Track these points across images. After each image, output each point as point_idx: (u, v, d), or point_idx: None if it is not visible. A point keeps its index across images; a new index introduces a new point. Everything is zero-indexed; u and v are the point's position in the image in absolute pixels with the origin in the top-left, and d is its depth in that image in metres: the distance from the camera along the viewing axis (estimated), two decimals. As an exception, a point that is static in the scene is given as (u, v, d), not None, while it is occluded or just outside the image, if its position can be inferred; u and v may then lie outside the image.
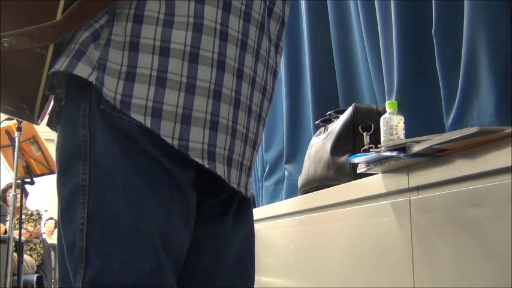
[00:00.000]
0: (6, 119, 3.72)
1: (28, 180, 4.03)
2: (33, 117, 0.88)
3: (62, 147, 0.82)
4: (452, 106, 1.69)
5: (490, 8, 1.54)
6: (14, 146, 3.68)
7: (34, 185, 4.10)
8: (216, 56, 0.81)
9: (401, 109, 1.74)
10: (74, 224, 0.78)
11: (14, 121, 3.66)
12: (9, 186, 5.09)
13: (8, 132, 3.77)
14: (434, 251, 1.36)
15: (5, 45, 0.79)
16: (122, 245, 0.76)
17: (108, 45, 0.79)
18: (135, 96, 0.78)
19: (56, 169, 0.85)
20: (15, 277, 4.12)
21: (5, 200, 5.11)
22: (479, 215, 1.22)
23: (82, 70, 0.78)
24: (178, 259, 0.83)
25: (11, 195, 3.87)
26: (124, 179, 0.78)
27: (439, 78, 1.77)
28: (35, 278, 5.05)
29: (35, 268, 5.27)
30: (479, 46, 1.56)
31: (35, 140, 3.91)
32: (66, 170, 0.80)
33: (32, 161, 3.98)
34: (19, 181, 3.94)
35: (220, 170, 0.83)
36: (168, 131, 0.78)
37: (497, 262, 1.15)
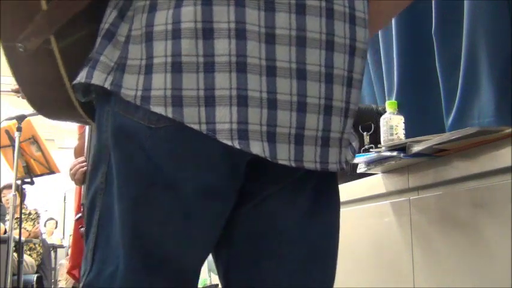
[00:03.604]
0: (7, 119, 3.72)
1: (28, 180, 4.03)
2: (81, 114, 0.87)
3: (93, 149, 0.83)
4: (452, 106, 1.69)
5: (490, 8, 1.54)
6: (14, 146, 3.68)
7: (34, 185, 4.10)
8: (233, 26, 0.73)
9: (401, 109, 1.74)
10: (91, 225, 0.80)
11: (14, 121, 3.66)
12: (4, 187, 5.10)
13: (8, 132, 3.76)
14: (434, 250, 1.36)
15: (21, 50, 0.79)
16: (114, 254, 0.76)
17: (128, 42, 0.76)
18: (153, 88, 0.73)
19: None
20: (15, 277, 4.12)
21: (0, 200, 5.12)
22: (479, 215, 1.22)
23: (97, 78, 0.76)
24: (179, 274, 0.79)
25: (8, 195, 3.87)
26: (122, 186, 0.76)
27: (439, 78, 1.77)
28: (35, 278, 5.05)
29: (35, 268, 5.27)
30: (479, 46, 1.56)
31: (35, 140, 3.91)
32: (93, 172, 0.81)
33: (32, 161, 3.98)
34: (19, 181, 3.93)
35: (256, 148, 0.73)
36: (192, 117, 0.72)
37: (497, 262, 1.15)
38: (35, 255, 5.34)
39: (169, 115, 0.72)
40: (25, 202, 4.94)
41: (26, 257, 4.95)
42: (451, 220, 1.31)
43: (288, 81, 0.75)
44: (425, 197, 1.40)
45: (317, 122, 0.77)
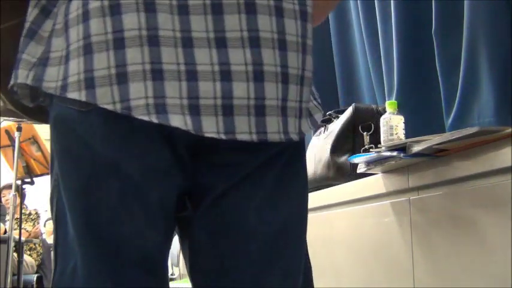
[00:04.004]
0: (7, 119, 3.72)
1: (28, 180, 4.03)
2: (21, 115, 0.85)
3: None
4: (452, 106, 1.69)
5: (490, 8, 1.54)
6: (14, 146, 3.68)
7: (34, 185, 4.10)
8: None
9: (401, 109, 1.74)
10: (53, 223, 0.79)
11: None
12: (4, 187, 5.10)
13: (8, 132, 3.76)
14: (434, 250, 1.36)
15: None
16: (72, 249, 0.75)
17: (52, 36, 0.75)
18: (70, 75, 0.71)
19: None
20: (15, 277, 4.12)
21: (0, 201, 5.12)
22: (479, 215, 1.22)
23: (20, 76, 0.75)
24: (139, 259, 0.75)
25: (8, 195, 3.87)
26: (66, 177, 0.75)
27: (439, 78, 1.77)
28: (35, 278, 5.05)
29: (35, 268, 5.27)
30: (479, 46, 1.56)
31: (35, 140, 3.91)
32: (50, 170, 0.80)
33: (32, 161, 3.98)
34: (19, 181, 3.93)
35: (177, 121, 0.69)
36: (106, 97, 0.69)
37: (497, 262, 1.15)
38: (35, 255, 5.34)
39: (83, 98, 0.70)
40: (25, 202, 4.93)
41: (26, 257, 4.94)
42: (451, 220, 1.31)
43: (207, 51, 0.71)
44: (425, 197, 1.40)
45: (247, 90, 0.72)
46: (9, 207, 4.25)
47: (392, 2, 2.02)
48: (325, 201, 1.94)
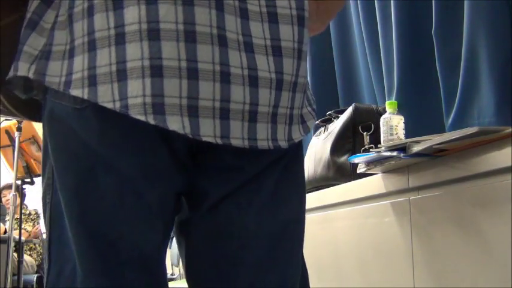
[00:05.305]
0: (6, 119, 3.72)
1: (28, 180, 4.03)
2: (10, 109, 0.81)
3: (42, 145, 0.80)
4: (452, 106, 1.69)
5: (490, 8, 1.54)
6: (14, 146, 3.68)
7: (34, 185, 4.10)
8: None
9: (401, 109, 1.74)
10: (46, 223, 0.77)
11: (14, 121, 3.66)
12: (4, 187, 5.09)
13: (8, 132, 3.76)
14: (434, 250, 1.36)
15: None
16: (69, 249, 0.73)
17: (54, 28, 0.73)
18: (74, 72, 0.69)
19: None
20: (15, 277, 4.12)
21: (0, 201, 5.11)
22: (479, 215, 1.22)
23: (21, 69, 0.72)
24: (138, 261, 0.74)
25: (8, 195, 3.87)
26: (62, 175, 0.73)
27: (439, 78, 1.77)
28: (35, 278, 5.05)
29: (35, 268, 5.27)
30: (479, 46, 1.57)
31: (35, 140, 3.91)
32: (42, 168, 0.78)
33: (32, 161, 3.98)
34: (19, 181, 3.93)
35: (174, 123, 0.66)
36: (106, 95, 0.67)
37: (497, 262, 1.15)
38: (35, 255, 5.34)
39: (85, 96, 0.68)
40: (25, 202, 4.93)
41: (26, 257, 4.95)
42: (451, 220, 1.31)
43: (209, 47, 0.68)
44: (425, 197, 1.40)
45: (243, 95, 0.70)
46: (9, 207, 4.25)
47: (392, 2, 2.02)
48: (325, 201, 1.94)
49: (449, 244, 1.30)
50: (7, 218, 4.58)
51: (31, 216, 5.32)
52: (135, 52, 0.67)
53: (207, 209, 0.78)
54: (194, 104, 0.68)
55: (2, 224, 4.77)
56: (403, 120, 1.68)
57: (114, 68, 0.67)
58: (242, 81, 0.70)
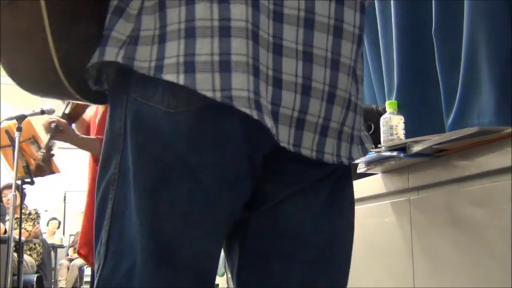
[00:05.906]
0: (7, 119, 3.72)
1: (28, 180, 4.02)
2: (66, 86, 0.78)
3: (105, 138, 0.78)
4: (452, 106, 1.69)
5: (490, 8, 1.54)
6: (14, 146, 3.68)
7: (34, 185, 4.09)
8: None
9: (401, 109, 1.74)
10: (103, 218, 0.76)
11: (14, 121, 3.66)
12: (4, 187, 5.09)
13: (8, 132, 3.76)
14: (434, 250, 1.36)
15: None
16: (130, 247, 0.73)
17: (141, 14, 0.73)
18: (167, 57, 0.70)
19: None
20: (15, 277, 4.12)
21: (0, 200, 5.11)
22: (479, 215, 1.22)
23: (109, 54, 0.72)
24: (198, 270, 0.75)
25: (8, 195, 3.87)
26: (139, 175, 0.72)
27: (439, 78, 1.77)
28: (35, 278, 5.05)
29: (35, 268, 5.27)
30: (479, 46, 1.57)
31: (35, 140, 3.91)
32: (104, 162, 0.77)
33: (32, 161, 3.98)
34: (19, 181, 3.93)
35: (269, 123, 0.69)
36: (206, 83, 0.67)
37: (497, 262, 1.15)
38: (35, 255, 5.34)
39: (181, 82, 0.68)
40: (25, 202, 4.94)
41: (26, 257, 4.95)
42: (451, 220, 1.31)
43: (293, 61, 0.72)
44: (425, 197, 1.40)
45: (319, 109, 0.74)
46: (9, 207, 4.25)
47: (392, 2, 2.02)
48: (325, 201, 1.94)
49: (449, 244, 1.31)
50: (7, 217, 4.58)
51: (31, 216, 5.32)
52: (241, 47, 0.68)
53: (268, 208, 0.80)
54: (276, 110, 0.72)
55: (2, 224, 4.76)
56: (403, 120, 1.68)
57: (216, 58, 0.68)
58: (321, 96, 0.74)
